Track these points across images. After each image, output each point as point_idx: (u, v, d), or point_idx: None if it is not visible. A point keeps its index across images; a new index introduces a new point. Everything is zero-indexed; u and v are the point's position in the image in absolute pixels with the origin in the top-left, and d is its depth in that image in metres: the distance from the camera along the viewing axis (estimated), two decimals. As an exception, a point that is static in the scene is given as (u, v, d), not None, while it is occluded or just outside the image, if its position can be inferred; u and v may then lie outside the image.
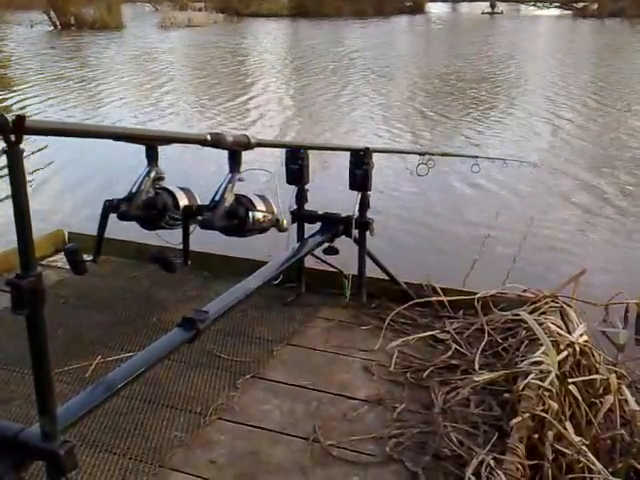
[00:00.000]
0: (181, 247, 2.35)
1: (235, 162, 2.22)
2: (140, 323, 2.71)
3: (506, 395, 2.13)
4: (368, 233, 2.85)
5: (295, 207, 2.84)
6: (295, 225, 2.83)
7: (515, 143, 8.47)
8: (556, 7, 36.36)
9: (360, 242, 2.86)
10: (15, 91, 12.63)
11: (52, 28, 26.19)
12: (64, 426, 1.49)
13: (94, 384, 1.77)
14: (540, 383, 2.07)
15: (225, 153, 2.20)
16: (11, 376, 2.31)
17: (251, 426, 2.07)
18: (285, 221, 2.47)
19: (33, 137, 1.35)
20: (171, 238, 2.49)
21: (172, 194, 2.47)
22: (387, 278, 2.92)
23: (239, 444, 1.99)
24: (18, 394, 2.19)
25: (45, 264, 3.25)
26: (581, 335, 2.44)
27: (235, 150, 2.18)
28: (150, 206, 2.43)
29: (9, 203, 1.28)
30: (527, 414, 1.94)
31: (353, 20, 30.51)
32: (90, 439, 1.97)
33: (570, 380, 2.22)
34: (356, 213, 2.81)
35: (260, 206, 2.36)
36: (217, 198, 2.22)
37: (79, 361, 2.38)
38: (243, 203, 2.32)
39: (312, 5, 33.46)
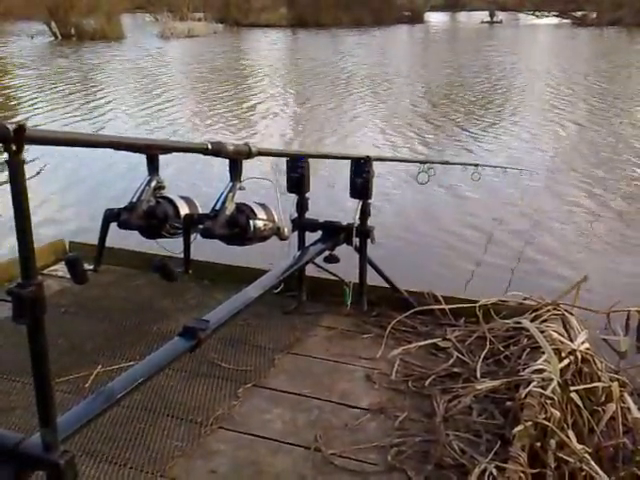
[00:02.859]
0: (182, 256, 2.35)
1: (236, 171, 2.23)
2: (141, 332, 2.70)
3: (508, 403, 2.12)
4: (369, 241, 2.85)
5: (296, 215, 2.84)
6: (296, 233, 2.83)
7: (515, 151, 8.48)
8: (555, 16, 36.49)
9: (361, 250, 2.86)
10: (17, 100, 12.68)
11: (52, 39, 26.30)
12: (64, 436, 1.48)
13: (94, 394, 1.76)
14: (542, 391, 2.07)
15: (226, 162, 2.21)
16: (11, 386, 2.30)
17: (252, 435, 2.06)
18: (286, 229, 2.47)
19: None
20: (172, 247, 2.49)
21: (173, 203, 2.47)
22: (388, 286, 2.92)
23: (240, 454, 1.98)
24: (18, 404, 2.18)
25: (46, 273, 3.24)
26: (583, 343, 2.44)
27: (236, 159, 2.19)
28: (151, 215, 2.43)
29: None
30: (529, 422, 1.94)
31: (352, 30, 30.63)
32: (91, 449, 1.97)
33: (572, 388, 2.21)
34: (357, 221, 2.81)
35: (261, 214, 2.36)
36: (218, 207, 2.22)
37: (80, 370, 2.37)
38: (244, 212, 2.32)
39: (311, 15, 33.62)
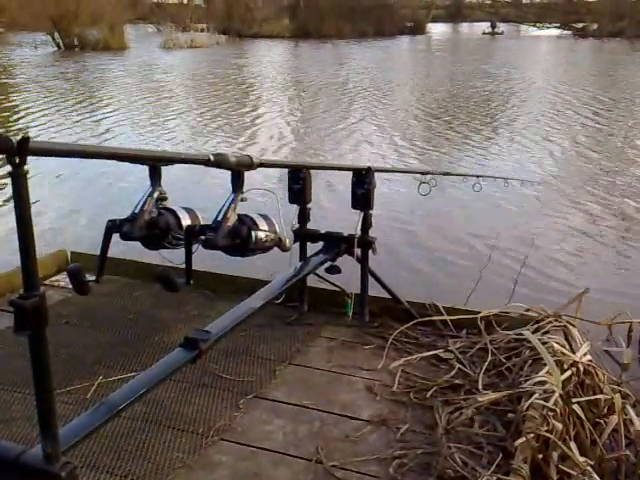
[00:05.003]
0: (184, 266, 2.36)
1: (238, 182, 2.24)
2: (142, 343, 2.70)
3: (510, 415, 2.11)
4: (370, 252, 2.85)
5: (297, 226, 2.84)
6: (297, 244, 2.83)
7: (516, 162, 8.49)
8: (556, 27, 36.58)
9: (362, 261, 2.86)
10: (20, 109, 12.74)
11: (56, 49, 26.44)
12: (66, 447, 1.48)
13: (96, 405, 1.76)
14: (544, 403, 2.06)
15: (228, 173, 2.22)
16: (13, 396, 2.30)
17: (253, 447, 2.06)
18: (288, 240, 2.48)
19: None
20: (174, 257, 2.49)
21: (175, 214, 2.48)
22: (390, 297, 2.91)
23: (241, 465, 1.97)
24: (19, 414, 2.18)
25: (48, 284, 3.25)
26: (585, 354, 2.43)
27: (238, 170, 2.19)
28: (153, 226, 2.44)
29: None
30: (531, 434, 1.93)
31: (354, 41, 30.74)
32: (92, 460, 1.96)
33: (574, 400, 2.21)
34: (358, 232, 2.81)
35: (263, 225, 2.37)
36: (220, 218, 2.23)
37: (81, 381, 2.37)
38: (246, 223, 2.33)
39: (313, 26, 33.76)
